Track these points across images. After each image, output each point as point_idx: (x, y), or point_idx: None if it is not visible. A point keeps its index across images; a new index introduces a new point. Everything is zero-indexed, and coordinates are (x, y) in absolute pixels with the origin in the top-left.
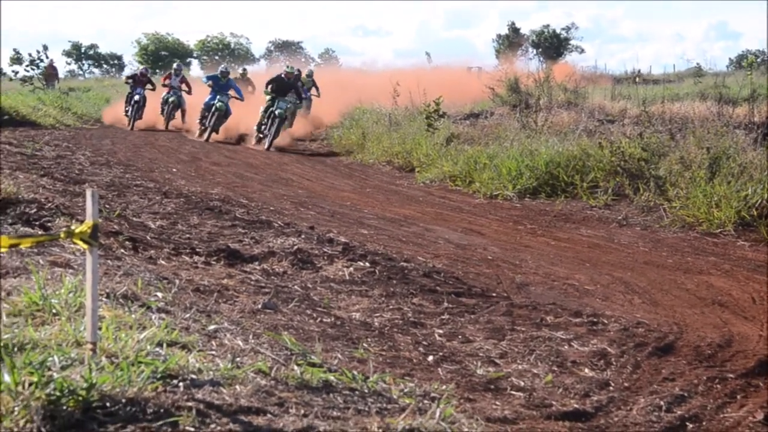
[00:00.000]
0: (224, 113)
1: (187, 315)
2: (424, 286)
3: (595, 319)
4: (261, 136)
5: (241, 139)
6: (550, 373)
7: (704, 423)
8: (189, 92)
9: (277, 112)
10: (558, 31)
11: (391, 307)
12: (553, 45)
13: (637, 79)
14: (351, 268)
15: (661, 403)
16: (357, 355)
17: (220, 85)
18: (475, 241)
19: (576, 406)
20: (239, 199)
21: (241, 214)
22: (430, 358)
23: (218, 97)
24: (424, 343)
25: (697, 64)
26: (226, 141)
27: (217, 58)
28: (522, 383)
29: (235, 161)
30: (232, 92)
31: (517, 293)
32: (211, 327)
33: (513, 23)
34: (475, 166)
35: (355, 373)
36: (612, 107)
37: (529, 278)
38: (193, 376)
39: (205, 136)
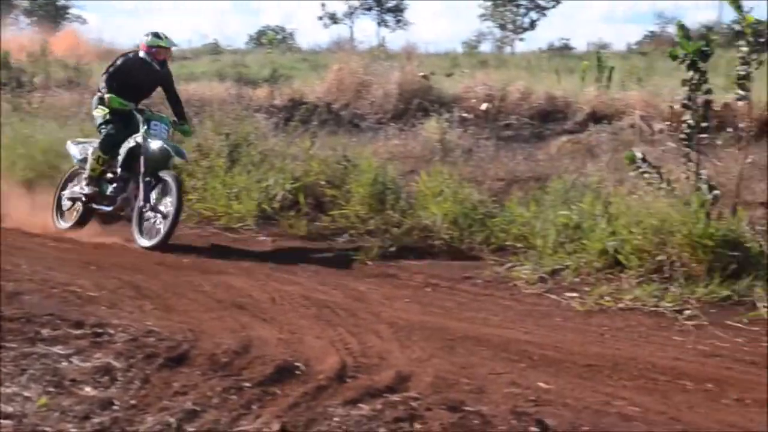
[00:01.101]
0: None
1: None
2: None
3: (99, 330)
4: (92, 206)
5: None
6: (45, 395)
7: None
8: None
9: (155, 147)
10: None
11: None
12: (49, 14)
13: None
14: None
15: (172, 420)
16: None
17: None
18: None
19: (73, 430)
20: None
21: None
22: None
23: None
24: None
25: (215, 39)
26: None
27: None
28: (11, 409)
29: None
30: None
31: (8, 304)
32: None
33: None
34: None
35: None
36: None
37: (23, 286)
38: None
39: None
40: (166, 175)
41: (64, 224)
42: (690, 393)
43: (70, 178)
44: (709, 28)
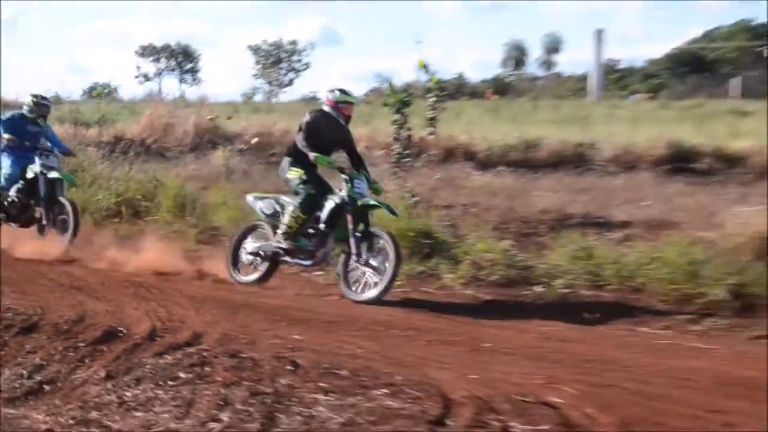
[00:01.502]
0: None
1: None
2: None
3: None
4: (280, 260)
5: None
6: None
7: (59, 383)
8: None
9: (364, 204)
10: None
11: None
12: None
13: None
14: None
15: (24, 372)
16: None
17: (32, 134)
18: None
19: None
20: None
21: None
22: None
23: (40, 160)
24: None
25: (57, 93)
26: None
27: None
28: None
29: None
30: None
31: None
32: None
33: None
34: None
35: None
36: None
37: None
38: None
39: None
40: (377, 231)
41: (244, 278)
42: (397, 337)
43: (248, 232)
44: (409, 85)
